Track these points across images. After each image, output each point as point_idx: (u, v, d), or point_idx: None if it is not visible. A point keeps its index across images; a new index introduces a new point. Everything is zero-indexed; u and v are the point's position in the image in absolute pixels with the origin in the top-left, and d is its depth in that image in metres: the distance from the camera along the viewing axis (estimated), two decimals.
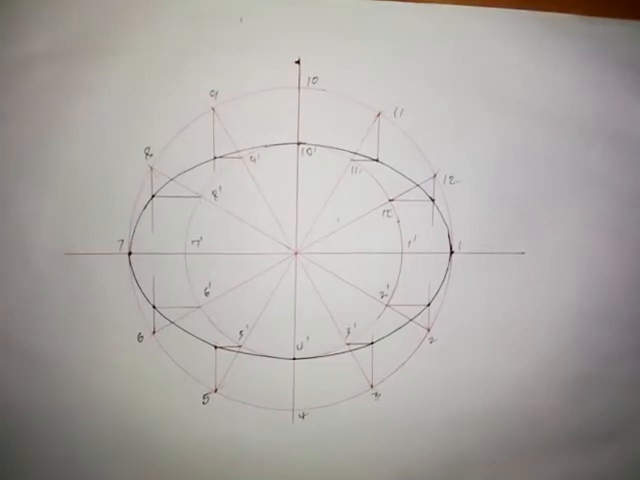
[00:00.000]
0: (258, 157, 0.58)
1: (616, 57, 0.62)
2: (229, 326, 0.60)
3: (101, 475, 0.60)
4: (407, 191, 0.61)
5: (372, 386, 0.62)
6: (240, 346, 0.60)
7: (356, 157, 0.59)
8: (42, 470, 0.60)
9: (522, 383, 0.65)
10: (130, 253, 0.57)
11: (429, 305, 0.62)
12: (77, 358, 0.58)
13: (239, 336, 0.60)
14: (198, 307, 0.59)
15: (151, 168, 0.57)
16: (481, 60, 0.60)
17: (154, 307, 0.58)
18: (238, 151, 0.58)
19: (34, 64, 0.54)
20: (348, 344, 0.62)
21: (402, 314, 0.62)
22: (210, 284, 0.59)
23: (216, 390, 0.60)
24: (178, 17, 0.56)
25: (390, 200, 0.61)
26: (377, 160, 0.60)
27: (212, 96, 0.57)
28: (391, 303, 0.62)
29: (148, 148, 0.57)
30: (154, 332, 0.59)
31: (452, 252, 0.62)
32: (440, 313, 0.62)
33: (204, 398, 0.60)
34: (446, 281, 0.62)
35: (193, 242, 0.58)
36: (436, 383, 0.63)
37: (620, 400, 0.66)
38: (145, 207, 0.57)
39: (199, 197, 0.58)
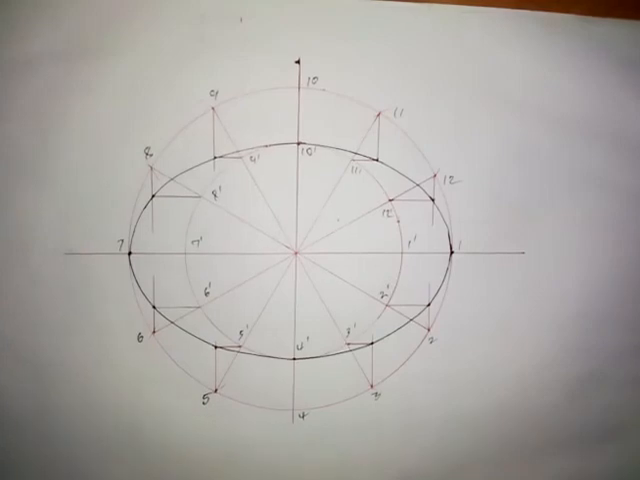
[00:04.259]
0: (258, 157, 0.58)
1: (616, 57, 0.62)
2: (229, 326, 0.60)
3: (101, 475, 0.60)
4: (407, 191, 0.61)
5: (372, 386, 0.63)
6: (240, 346, 0.60)
7: (356, 157, 0.59)
8: (42, 470, 0.60)
9: (522, 383, 0.65)
10: (130, 253, 0.57)
11: (429, 305, 0.62)
12: (77, 358, 0.58)
13: (239, 336, 0.60)
14: (198, 307, 0.59)
15: (151, 168, 0.57)
16: (481, 60, 0.60)
17: (154, 307, 0.58)
18: (238, 151, 0.58)
19: (34, 64, 0.54)
20: (348, 344, 0.62)
21: (402, 314, 0.62)
22: (210, 284, 0.59)
23: (216, 390, 0.60)
24: (178, 17, 0.56)
25: (390, 200, 0.61)
26: (377, 160, 0.60)
27: (212, 96, 0.57)
28: (391, 303, 0.62)
29: (148, 148, 0.57)
30: (154, 332, 0.59)
31: (452, 252, 0.62)
32: (440, 313, 0.62)
33: (204, 398, 0.60)
34: (446, 281, 0.62)
35: (193, 242, 0.58)
36: (436, 383, 0.63)
37: (620, 400, 0.67)
38: (145, 207, 0.57)
39: (199, 197, 0.58)
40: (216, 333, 0.60)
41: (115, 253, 0.57)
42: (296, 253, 0.60)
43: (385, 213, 0.61)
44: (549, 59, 0.61)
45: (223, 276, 0.59)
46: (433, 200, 0.61)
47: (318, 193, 0.60)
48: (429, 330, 0.63)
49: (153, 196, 0.57)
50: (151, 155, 0.57)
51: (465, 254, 0.62)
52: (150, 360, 0.59)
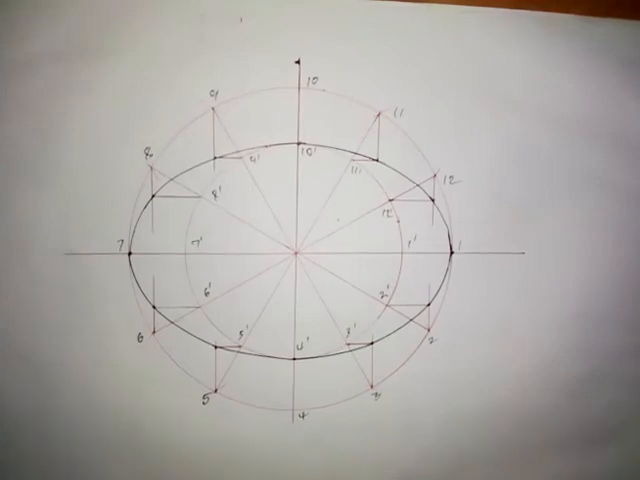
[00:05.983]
0: (258, 157, 0.58)
1: (616, 57, 0.62)
2: (229, 326, 0.60)
3: (101, 475, 0.60)
4: (407, 191, 0.61)
5: (372, 386, 0.63)
6: (240, 346, 0.60)
7: (356, 157, 0.59)
8: (42, 470, 0.59)
9: (522, 383, 0.65)
10: (130, 253, 0.57)
11: (429, 305, 0.62)
12: (77, 358, 0.58)
13: (239, 336, 0.60)
14: (198, 307, 0.59)
15: (151, 168, 0.57)
16: (481, 60, 0.60)
17: (154, 307, 0.58)
18: (238, 151, 0.58)
19: (34, 64, 0.54)
20: (348, 344, 0.62)
21: (402, 314, 0.62)
22: (210, 284, 0.59)
23: (216, 390, 0.60)
24: (178, 17, 0.56)
25: (390, 200, 0.61)
26: (377, 160, 0.60)
27: (212, 96, 0.57)
28: (391, 303, 0.62)
29: (148, 148, 0.57)
30: (154, 332, 0.59)
31: (452, 252, 0.62)
32: (440, 313, 0.62)
33: (204, 398, 0.60)
34: (446, 281, 0.62)
35: (193, 242, 0.58)
36: (436, 383, 0.63)
37: (620, 399, 0.67)
38: (145, 207, 0.57)
39: (199, 197, 0.58)
40: (216, 333, 0.60)
41: (115, 253, 0.57)
42: (296, 253, 0.60)
43: (385, 213, 0.61)
44: (549, 59, 0.61)
45: (223, 276, 0.59)
46: (433, 200, 0.61)
47: (318, 193, 0.60)
48: (429, 330, 0.63)
49: (153, 196, 0.57)
50: (151, 155, 0.57)
51: (465, 254, 0.62)
52: (150, 360, 0.59)
